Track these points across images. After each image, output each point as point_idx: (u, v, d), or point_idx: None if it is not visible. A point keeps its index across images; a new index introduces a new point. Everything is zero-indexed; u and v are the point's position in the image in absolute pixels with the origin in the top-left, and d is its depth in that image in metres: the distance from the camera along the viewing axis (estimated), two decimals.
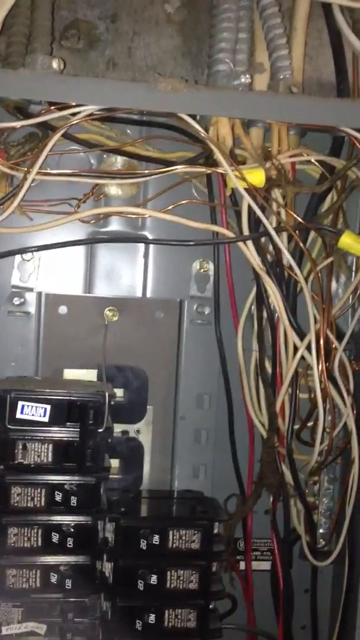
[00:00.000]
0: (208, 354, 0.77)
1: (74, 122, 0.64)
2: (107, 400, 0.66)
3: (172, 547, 0.68)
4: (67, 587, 0.65)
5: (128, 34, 0.79)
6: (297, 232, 0.70)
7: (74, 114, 0.64)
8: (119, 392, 0.75)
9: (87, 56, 0.79)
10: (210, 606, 0.70)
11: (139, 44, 0.80)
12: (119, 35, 0.79)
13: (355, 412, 0.71)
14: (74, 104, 0.63)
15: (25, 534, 0.65)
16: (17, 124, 0.65)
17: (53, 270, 0.75)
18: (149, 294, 0.77)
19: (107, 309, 0.76)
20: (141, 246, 0.77)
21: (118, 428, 0.75)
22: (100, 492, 0.67)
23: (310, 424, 0.74)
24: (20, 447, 0.65)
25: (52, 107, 0.64)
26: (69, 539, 0.65)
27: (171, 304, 0.77)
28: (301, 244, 0.69)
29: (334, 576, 0.80)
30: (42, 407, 0.65)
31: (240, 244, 0.70)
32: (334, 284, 0.77)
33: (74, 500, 0.65)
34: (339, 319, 0.76)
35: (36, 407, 0.65)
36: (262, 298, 0.72)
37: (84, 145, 0.70)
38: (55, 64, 0.63)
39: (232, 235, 0.70)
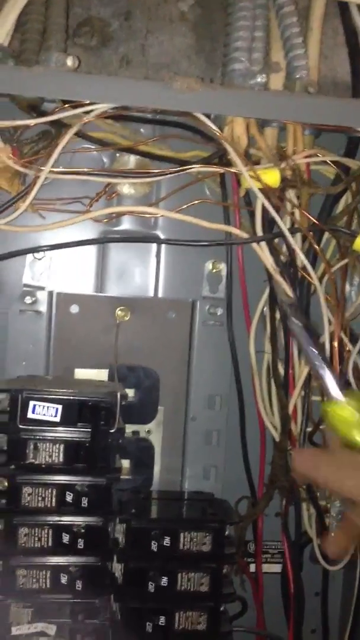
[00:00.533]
0: (220, 355, 0.77)
1: (87, 120, 0.64)
2: (118, 401, 0.65)
3: (183, 549, 0.67)
4: (77, 588, 0.65)
5: (141, 32, 0.79)
6: (311, 233, 0.69)
7: (87, 112, 0.64)
8: (130, 393, 0.74)
9: (100, 54, 0.78)
10: (221, 609, 0.69)
11: (152, 42, 0.79)
12: (132, 33, 0.79)
13: None
14: (87, 102, 0.62)
15: (36, 534, 0.65)
16: (31, 122, 0.65)
17: (65, 269, 0.75)
18: (160, 294, 0.77)
19: (118, 308, 0.75)
20: (153, 246, 0.77)
21: (129, 428, 0.74)
22: (111, 493, 0.67)
23: (322, 426, 0.74)
24: (32, 447, 0.65)
25: (66, 105, 0.64)
26: (79, 539, 0.65)
27: (183, 304, 0.77)
28: (315, 245, 0.69)
29: (344, 580, 0.79)
30: (53, 407, 0.65)
31: (254, 244, 0.69)
32: (347, 286, 0.76)
33: (84, 501, 0.65)
34: (352, 322, 0.76)
35: (48, 407, 0.65)
36: (275, 299, 0.71)
37: (97, 143, 0.70)
38: (70, 62, 0.62)
39: (246, 236, 0.70)
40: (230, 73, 0.66)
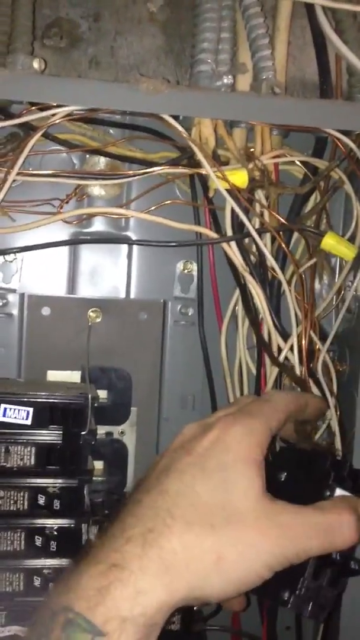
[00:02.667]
0: (192, 355, 0.77)
1: (52, 122, 0.64)
2: (89, 403, 0.66)
3: None
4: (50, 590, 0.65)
5: (111, 33, 0.79)
6: (280, 233, 0.70)
7: (55, 115, 0.64)
8: (103, 394, 0.74)
9: (69, 55, 0.78)
10: (195, 608, 0.69)
11: (121, 43, 0.79)
12: (101, 34, 0.79)
13: (338, 412, 0.71)
14: (55, 104, 0.62)
15: (8, 537, 0.65)
16: None
17: (36, 272, 0.75)
18: (132, 295, 0.77)
19: (90, 310, 0.75)
20: (125, 247, 0.77)
21: (102, 430, 0.75)
22: (84, 494, 0.67)
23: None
24: (3, 450, 0.65)
25: (33, 107, 0.64)
26: (52, 542, 0.65)
27: (155, 304, 0.77)
28: (284, 245, 0.69)
29: None
30: (24, 410, 0.65)
31: (224, 244, 0.70)
32: (317, 285, 0.77)
33: (57, 504, 0.65)
34: (323, 320, 0.77)
35: (19, 409, 0.65)
36: (246, 299, 0.72)
37: (67, 145, 0.70)
38: (36, 64, 0.62)
39: (215, 236, 0.70)
40: (196, 74, 0.66)
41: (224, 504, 0.44)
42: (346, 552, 0.47)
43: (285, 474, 0.49)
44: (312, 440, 0.58)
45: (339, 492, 0.48)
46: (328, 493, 0.48)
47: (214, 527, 0.43)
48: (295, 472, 0.48)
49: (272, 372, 0.72)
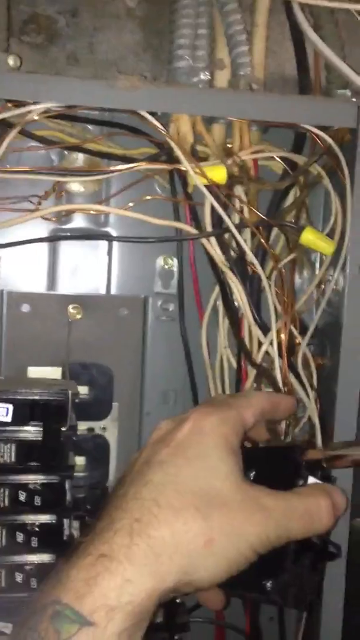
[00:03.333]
0: (173, 350, 0.77)
1: (30, 119, 0.64)
2: (70, 399, 0.66)
3: None
4: (32, 586, 0.65)
5: (89, 29, 0.79)
6: (259, 228, 0.70)
7: (32, 112, 0.64)
8: (84, 390, 0.75)
9: (47, 51, 0.78)
10: (178, 600, 0.70)
11: (100, 39, 0.79)
12: (79, 30, 0.79)
13: (319, 406, 0.72)
14: (31, 101, 0.62)
15: None
16: None
17: (15, 268, 0.75)
18: (113, 291, 0.77)
19: (70, 306, 0.75)
20: (105, 242, 0.77)
21: (84, 425, 0.75)
22: (65, 490, 0.67)
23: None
24: None
25: (10, 104, 0.64)
26: (33, 538, 0.65)
27: (135, 300, 0.77)
28: (262, 241, 0.69)
29: None
30: (4, 407, 0.65)
31: (204, 240, 0.70)
32: (298, 280, 0.77)
33: (38, 500, 0.65)
34: (304, 314, 0.77)
35: None
36: (226, 295, 0.72)
37: (45, 142, 0.70)
38: (11, 61, 0.62)
39: (195, 232, 0.70)
40: (174, 71, 0.66)
41: (208, 490, 0.44)
42: (324, 536, 0.49)
43: (254, 472, 0.49)
44: (280, 438, 0.59)
45: (311, 480, 0.49)
46: (301, 482, 0.49)
47: (200, 511, 0.43)
48: (265, 469, 0.49)
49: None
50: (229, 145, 0.71)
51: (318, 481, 0.49)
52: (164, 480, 0.45)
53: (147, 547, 0.42)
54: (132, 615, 0.40)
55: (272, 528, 0.45)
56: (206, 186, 0.66)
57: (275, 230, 0.74)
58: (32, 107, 0.62)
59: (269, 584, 0.46)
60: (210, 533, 0.43)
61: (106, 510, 0.45)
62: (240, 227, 0.69)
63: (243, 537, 0.44)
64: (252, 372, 0.72)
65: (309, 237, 0.69)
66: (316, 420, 0.72)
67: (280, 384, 0.70)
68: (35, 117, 0.64)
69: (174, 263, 0.77)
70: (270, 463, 0.50)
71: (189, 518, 0.43)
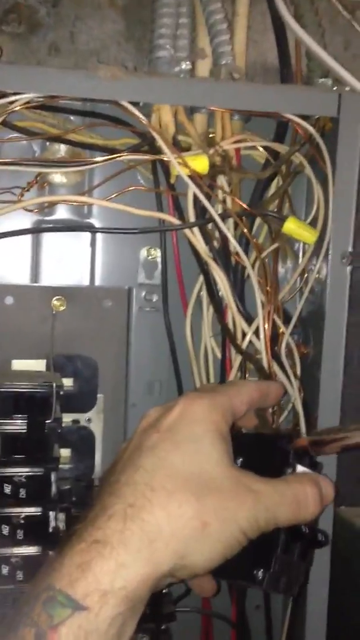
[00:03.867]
0: (158, 341, 0.77)
1: (11, 110, 0.63)
2: (54, 391, 0.66)
3: None
4: (18, 578, 0.65)
5: (70, 18, 0.78)
6: (242, 218, 0.70)
7: (13, 102, 0.63)
8: (69, 382, 0.74)
9: (28, 41, 0.78)
10: (164, 590, 0.70)
11: (81, 29, 0.79)
12: (60, 20, 0.78)
13: (302, 395, 0.72)
14: (11, 92, 0.62)
15: None
16: None
17: None
18: (97, 282, 0.77)
19: (54, 298, 0.75)
20: (88, 234, 0.77)
21: (69, 417, 0.75)
22: (51, 482, 0.67)
23: None
24: None
25: None
26: (19, 530, 0.65)
27: (119, 292, 0.77)
28: (245, 231, 0.70)
29: None
30: None
31: (187, 231, 0.70)
32: (281, 269, 0.77)
33: (23, 492, 0.65)
34: (287, 303, 0.77)
35: None
36: (210, 291, 0.72)
37: (26, 133, 0.69)
38: None
39: (178, 222, 0.70)
40: (155, 60, 0.66)
41: (200, 473, 0.45)
42: (312, 525, 0.49)
43: (242, 459, 0.50)
44: (270, 425, 0.60)
45: (299, 468, 0.49)
46: (289, 470, 0.49)
47: (195, 495, 0.43)
48: (253, 456, 0.49)
49: (237, 356, 0.73)
50: (211, 135, 0.70)
51: (306, 469, 0.50)
52: (156, 465, 0.45)
53: (141, 532, 0.42)
54: (126, 600, 0.40)
55: (262, 513, 0.45)
56: (189, 176, 0.66)
57: (258, 220, 0.74)
58: (14, 98, 0.62)
59: (260, 573, 0.47)
60: (205, 517, 0.43)
61: (98, 497, 0.45)
62: (223, 217, 0.69)
63: (235, 521, 0.44)
64: (236, 362, 0.73)
65: (291, 226, 0.69)
66: (300, 409, 0.72)
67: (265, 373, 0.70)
68: (17, 108, 0.63)
69: (157, 254, 0.77)
70: (259, 450, 0.50)
71: (183, 501, 0.43)
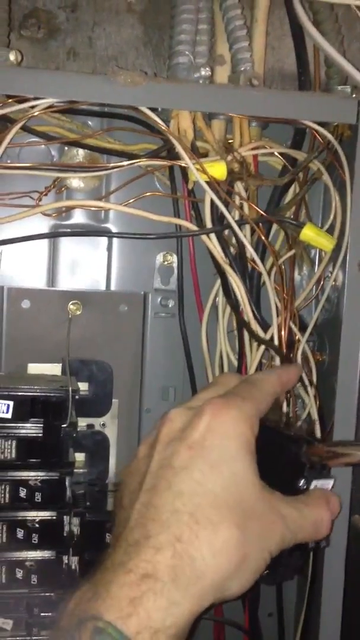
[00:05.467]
0: (173, 347, 0.77)
1: (32, 115, 0.63)
2: (70, 395, 0.66)
3: None
4: (33, 582, 0.66)
5: (88, 24, 0.79)
6: (259, 224, 0.70)
7: (33, 107, 0.64)
8: (84, 386, 0.74)
9: (47, 46, 0.78)
10: None
11: (100, 34, 0.79)
12: (79, 25, 0.78)
13: (318, 402, 0.72)
14: (32, 96, 0.62)
15: None
16: None
17: (15, 264, 0.75)
18: (112, 287, 0.77)
19: (70, 302, 0.75)
20: (104, 239, 0.77)
21: (83, 422, 0.75)
22: (65, 486, 0.67)
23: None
24: None
25: (10, 100, 0.63)
26: (34, 534, 0.65)
27: (135, 297, 0.77)
28: (263, 237, 0.69)
29: None
30: (5, 404, 0.65)
31: (204, 237, 0.70)
32: (297, 276, 0.77)
33: (38, 496, 0.65)
34: (303, 310, 0.77)
35: None
36: (227, 291, 0.72)
37: (45, 137, 0.69)
38: (12, 57, 0.62)
39: (195, 228, 0.70)
40: (174, 66, 0.66)
41: (239, 501, 0.44)
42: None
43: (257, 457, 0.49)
44: (280, 409, 0.59)
45: (313, 483, 0.49)
46: (304, 485, 0.49)
47: (237, 526, 0.43)
48: (267, 457, 0.48)
49: (252, 362, 0.73)
50: (230, 141, 0.70)
51: (319, 483, 0.49)
52: (196, 492, 0.43)
53: (190, 570, 0.41)
54: (174, 638, 0.40)
55: (287, 536, 0.46)
56: (207, 182, 0.66)
57: (274, 227, 0.74)
58: (34, 102, 0.62)
59: (265, 573, 0.47)
60: (246, 549, 0.43)
61: (133, 517, 0.44)
62: (240, 223, 0.69)
63: (268, 548, 0.45)
64: (252, 368, 0.72)
65: (309, 233, 0.69)
66: (315, 417, 0.72)
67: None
68: (36, 113, 0.64)
69: (173, 259, 0.77)
70: (273, 452, 0.49)
71: (227, 536, 0.43)
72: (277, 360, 0.70)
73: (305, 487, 0.48)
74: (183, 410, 0.48)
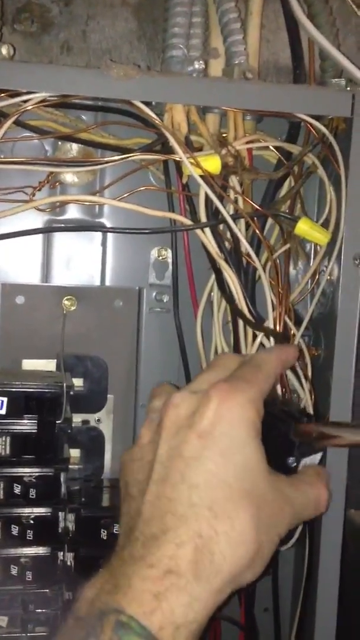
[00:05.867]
0: (168, 342, 0.77)
1: (25, 109, 0.63)
2: (64, 391, 0.65)
3: None
4: (28, 578, 0.65)
5: (82, 17, 0.78)
6: (254, 219, 0.70)
7: (26, 101, 0.63)
8: (79, 382, 0.74)
9: (41, 40, 0.77)
10: None
11: (93, 28, 0.79)
12: (73, 19, 0.78)
13: (313, 397, 0.72)
14: (24, 90, 0.62)
15: None
16: None
17: (9, 260, 0.74)
18: (107, 282, 0.77)
19: (65, 298, 0.75)
20: (99, 234, 0.76)
21: (78, 417, 0.74)
22: (60, 483, 0.67)
23: None
24: None
25: (2, 94, 0.63)
26: (28, 531, 0.65)
27: (130, 292, 0.77)
28: (258, 232, 0.69)
29: (295, 558, 0.81)
30: None
31: (198, 231, 0.70)
32: (292, 271, 0.77)
33: (33, 492, 0.65)
34: (298, 305, 0.77)
35: None
36: (221, 285, 0.72)
37: (38, 132, 0.69)
38: (4, 51, 0.62)
39: (189, 223, 0.70)
40: (168, 60, 0.66)
41: (251, 489, 0.44)
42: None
43: None
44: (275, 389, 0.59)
45: (303, 462, 0.50)
46: (293, 463, 0.49)
47: (252, 517, 0.43)
48: (263, 435, 0.48)
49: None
50: (224, 135, 0.70)
51: (309, 460, 0.50)
52: (211, 484, 0.43)
53: (211, 565, 0.41)
54: (194, 633, 0.40)
55: (295, 519, 0.47)
56: (201, 176, 0.66)
57: (269, 221, 0.73)
58: (27, 97, 0.62)
59: None
60: (260, 539, 0.43)
61: (146, 508, 0.44)
62: (234, 217, 0.69)
63: (279, 533, 0.45)
64: None
65: (304, 227, 0.69)
66: (311, 411, 0.72)
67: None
68: (29, 107, 0.63)
69: (168, 254, 0.76)
70: (267, 431, 0.48)
71: (244, 528, 0.43)
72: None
73: (295, 464, 0.49)
74: (187, 394, 0.47)
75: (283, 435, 0.50)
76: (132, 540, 0.43)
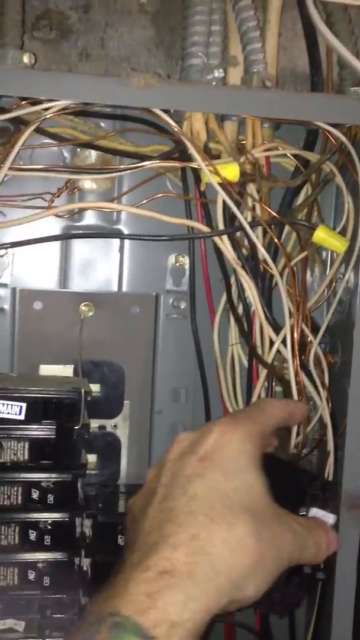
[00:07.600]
0: (184, 348, 0.77)
1: (45, 117, 0.63)
2: (82, 397, 0.66)
3: None
4: (45, 584, 0.66)
5: (100, 25, 0.78)
6: (271, 226, 0.70)
7: (46, 109, 0.63)
8: (96, 388, 0.75)
9: (59, 47, 0.78)
10: None
11: (112, 35, 0.79)
12: (91, 26, 0.78)
13: (330, 405, 0.72)
14: (45, 98, 0.62)
15: (3, 532, 0.65)
16: None
17: (27, 266, 0.75)
18: (124, 289, 0.77)
19: (82, 304, 0.75)
20: (116, 240, 0.77)
21: (95, 423, 0.75)
22: (78, 488, 0.67)
23: None
24: None
25: (24, 102, 0.63)
26: (46, 536, 0.65)
27: (147, 298, 0.77)
28: (275, 239, 0.69)
29: None
30: (17, 405, 0.65)
31: (216, 238, 0.70)
32: (309, 278, 0.77)
33: (50, 498, 0.65)
34: (315, 312, 0.77)
35: (12, 405, 0.65)
36: (238, 292, 0.72)
37: (57, 139, 0.70)
38: (26, 59, 0.62)
39: (207, 230, 0.70)
40: (187, 68, 0.66)
41: (252, 506, 0.44)
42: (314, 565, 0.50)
43: None
44: (289, 446, 0.59)
45: (313, 511, 0.50)
46: (303, 512, 0.49)
47: (252, 527, 0.43)
48: (276, 484, 0.49)
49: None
50: (242, 143, 0.70)
51: (319, 512, 0.50)
52: (211, 496, 0.44)
53: (208, 565, 0.41)
54: (190, 633, 0.40)
55: (296, 551, 0.46)
56: (219, 184, 0.66)
57: (286, 228, 0.74)
58: (48, 104, 0.62)
59: (264, 599, 0.47)
60: (262, 550, 0.43)
61: (148, 522, 0.44)
62: (252, 225, 0.69)
63: (281, 554, 0.45)
64: (263, 371, 0.72)
65: (322, 235, 0.69)
66: (328, 419, 0.72)
67: (293, 384, 0.69)
68: (50, 115, 0.63)
69: (185, 261, 0.77)
70: (278, 480, 0.49)
71: (243, 535, 0.43)
72: (290, 363, 0.70)
73: (304, 513, 0.49)
74: (190, 432, 0.49)
75: (300, 487, 0.50)
76: (134, 551, 0.43)
